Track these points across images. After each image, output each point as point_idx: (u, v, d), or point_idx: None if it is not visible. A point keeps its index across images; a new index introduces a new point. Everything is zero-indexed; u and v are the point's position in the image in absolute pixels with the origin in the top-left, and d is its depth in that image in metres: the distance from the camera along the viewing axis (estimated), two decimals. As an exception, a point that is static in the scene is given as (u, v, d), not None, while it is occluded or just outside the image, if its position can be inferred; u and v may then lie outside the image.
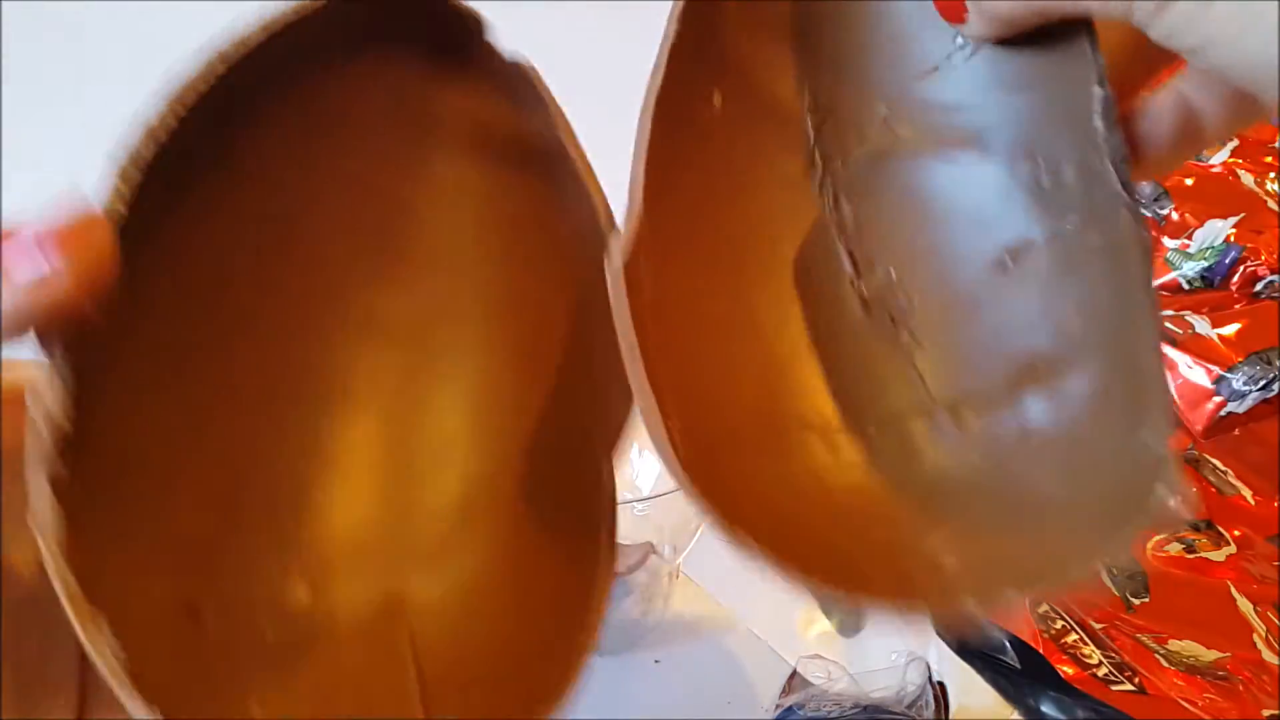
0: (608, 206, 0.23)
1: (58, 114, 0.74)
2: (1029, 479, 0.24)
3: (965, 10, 0.24)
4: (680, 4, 0.24)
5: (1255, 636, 0.44)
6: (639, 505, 0.47)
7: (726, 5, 0.25)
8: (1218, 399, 0.55)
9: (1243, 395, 0.55)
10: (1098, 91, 0.22)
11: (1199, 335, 0.56)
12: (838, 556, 0.22)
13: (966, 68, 0.25)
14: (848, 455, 0.26)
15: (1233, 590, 0.47)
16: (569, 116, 0.24)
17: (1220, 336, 0.56)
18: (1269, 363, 0.55)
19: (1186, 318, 0.57)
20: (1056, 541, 0.21)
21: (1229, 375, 0.55)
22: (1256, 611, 0.46)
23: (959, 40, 0.25)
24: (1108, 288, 0.23)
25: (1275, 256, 0.60)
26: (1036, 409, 0.24)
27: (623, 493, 0.43)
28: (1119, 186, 0.22)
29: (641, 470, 0.52)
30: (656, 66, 0.23)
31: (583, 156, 0.24)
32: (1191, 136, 0.25)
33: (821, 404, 0.26)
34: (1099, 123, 0.22)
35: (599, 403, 0.25)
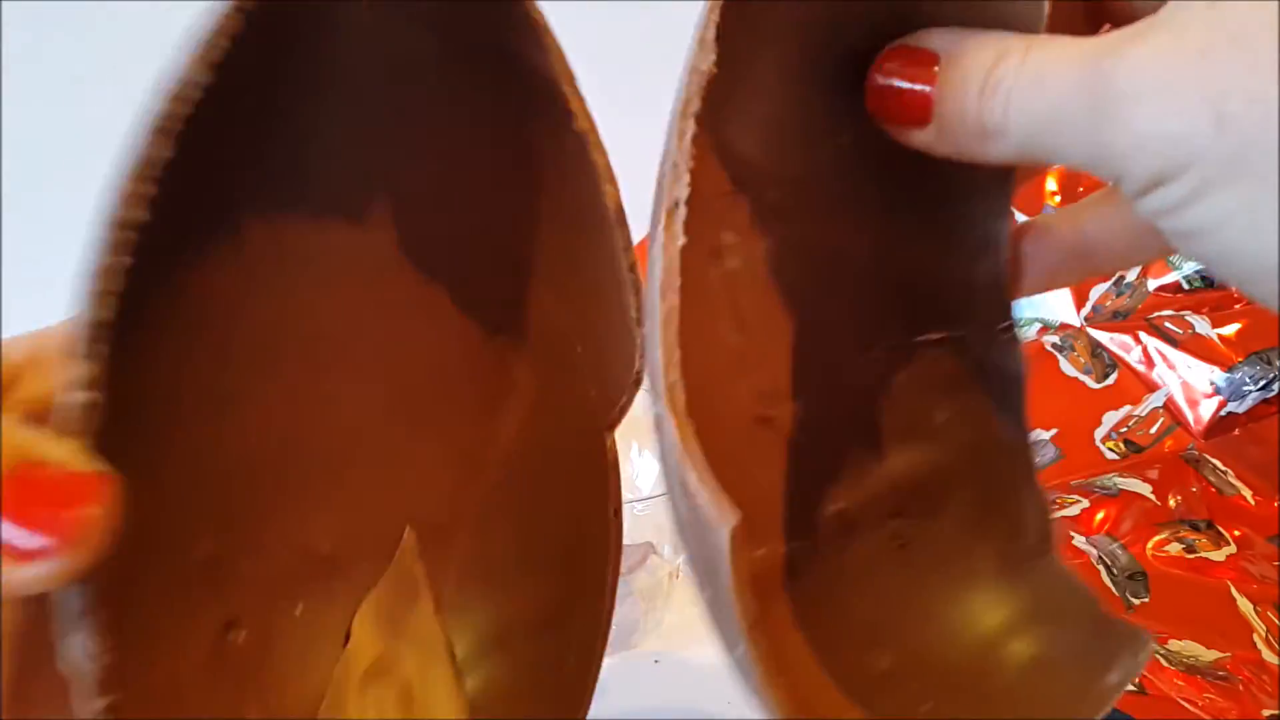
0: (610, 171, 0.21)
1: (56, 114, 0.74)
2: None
3: (928, 121, 0.21)
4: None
5: (1255, 636, 0.44)
6: (639, 505, 0.47)
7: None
8: (1218, 399, 0.55)
9: (1243, 395, 0.55)
10: (1003, 226, 0.22)
11: (1199, 335, 0.56)
12: None
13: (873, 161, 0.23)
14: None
15: (1233, 590, 0.47)
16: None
17: (1220, 336, 0.56)
18: (1269, 363, 0.55)
19: (1186, 318, 0.57)
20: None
21: (1229, 375, 0.55)
22: (1256, 611, 0.46)
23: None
24: (988, 410, 0.24)
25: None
26: (911, 527, 0.25)
27: (623, 492, 0.43)
28: (1009, 315, 0.23)
29: (641, 470, 0.51)
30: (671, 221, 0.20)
31: (587, 115, 0.20)
32: (1081, 267, 0.24)
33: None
34: (1003, 254, 0.22)
35: (604, 376, 0.23)
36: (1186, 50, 0.17)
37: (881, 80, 0.21)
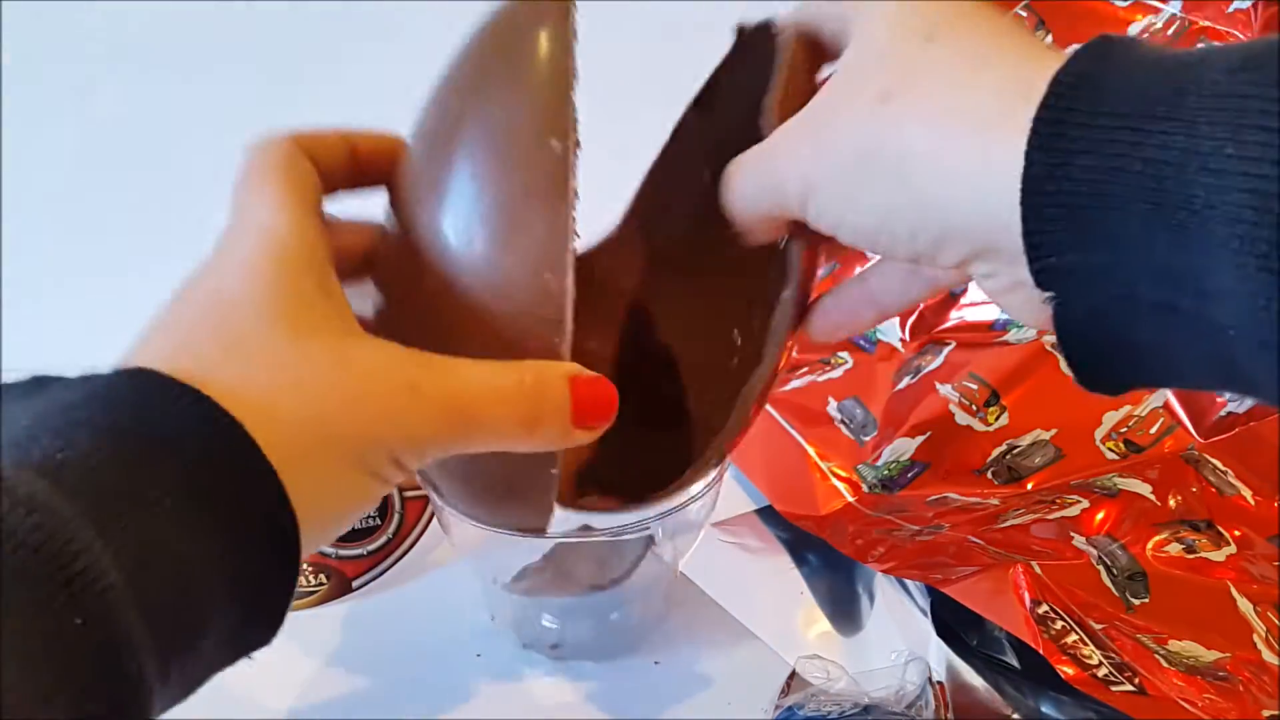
0: None
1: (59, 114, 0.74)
2: None
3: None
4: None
5: (1255, 636, 0.44)
6: (639, 507, 0.47)
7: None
8: (1218, 399, 0.55)
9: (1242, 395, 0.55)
10: (787, 294, 0.32)
11: (1199, 335, 0.56)
12: None
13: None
14: None
15: (1233, 590, 0.47)
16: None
17: (1220, 336, 0.56)
18: (1269, 363, 0.55)
19: (1186, 318, 0.57)
20: None
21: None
22: (1256, 611, 0.46)
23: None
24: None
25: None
26: None
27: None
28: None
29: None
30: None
31: None
32: (871, 312, 0.34)
33: None
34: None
35: None
36: None
37: None
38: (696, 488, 0.40)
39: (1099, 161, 0.23)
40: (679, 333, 0.35)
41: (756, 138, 0.31)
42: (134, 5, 0.73)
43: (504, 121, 0.29)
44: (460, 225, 0.30)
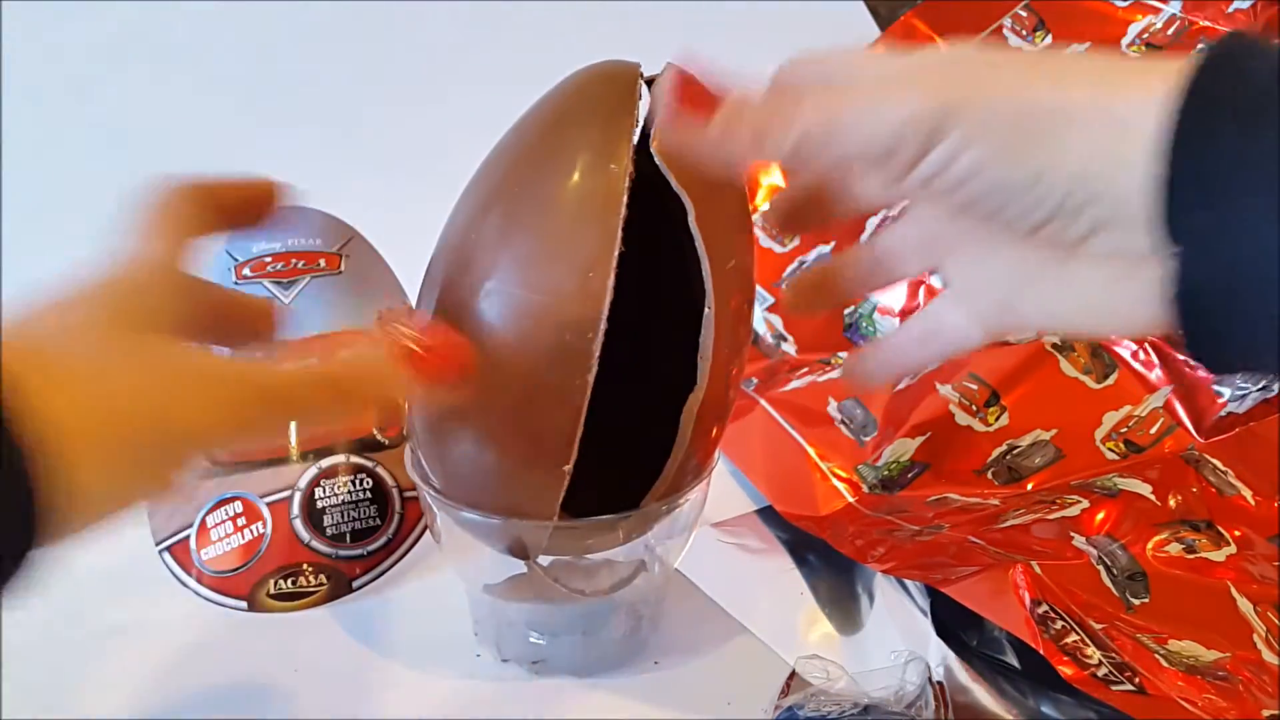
0: None
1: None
2: None
3: None
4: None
5: (1255, 636, 0.44)
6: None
7: None
8: (1218, 399, 0.55)
9: (1243, 395, 0.55)
10: (708, 312, 0.35)
11: (1199, 335, 0.56)
12: None
13: None
14: None
15: (1233, 590, 0.47)
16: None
17: (1220, 336, 0.56)
18: (1269, 363, 0.55)
19: (1186, 318, 0.57)
20: None
21: (1229, 375, 0.55)
22: (1256, 611, 0.46)
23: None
24: None
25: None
26: None
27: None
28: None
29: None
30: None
31: None
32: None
33: None
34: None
35: None
36: None
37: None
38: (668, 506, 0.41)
39: (1244, 128, 0.24)
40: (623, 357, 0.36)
41: (661, 176, 0.34)
42: (134, 5, 0.73)
43: (574, 151, 0.34)
44: (517, 234, 0.34)
